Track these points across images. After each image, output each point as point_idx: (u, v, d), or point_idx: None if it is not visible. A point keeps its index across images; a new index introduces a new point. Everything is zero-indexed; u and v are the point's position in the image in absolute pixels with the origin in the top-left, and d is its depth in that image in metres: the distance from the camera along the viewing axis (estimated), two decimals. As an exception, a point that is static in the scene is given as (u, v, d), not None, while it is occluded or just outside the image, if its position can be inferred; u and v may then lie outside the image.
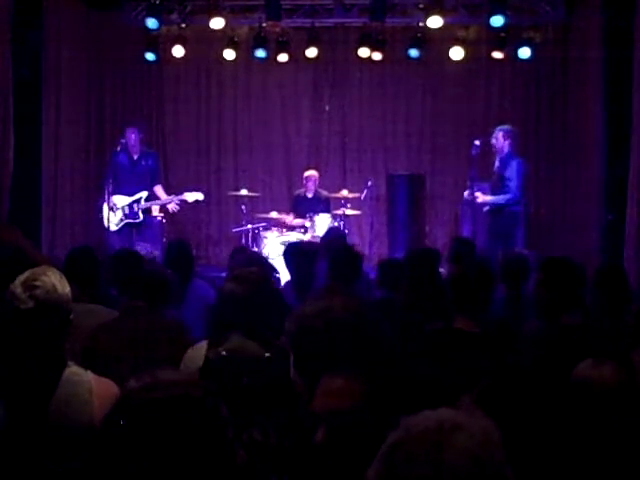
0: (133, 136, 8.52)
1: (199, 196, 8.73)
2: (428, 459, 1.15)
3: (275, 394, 2.79)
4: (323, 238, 7.65)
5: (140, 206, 8.49)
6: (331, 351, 2.19)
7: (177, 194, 8.76)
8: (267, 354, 3.03)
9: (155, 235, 8.99)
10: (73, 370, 2.30)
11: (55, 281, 2.27)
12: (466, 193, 8.07)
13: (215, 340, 3.12)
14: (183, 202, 8.73)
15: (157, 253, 6.01)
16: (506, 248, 6.87)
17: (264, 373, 2.94)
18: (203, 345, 3.14)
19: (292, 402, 2.58)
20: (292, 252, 5.36)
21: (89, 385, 2.27)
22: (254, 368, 2.96)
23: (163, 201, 8.65)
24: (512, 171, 7.66)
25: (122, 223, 8.48)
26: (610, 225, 8.39)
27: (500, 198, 7.72)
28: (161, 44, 10.01)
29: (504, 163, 7.76)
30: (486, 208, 7.82)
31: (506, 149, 7.80)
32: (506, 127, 8.01)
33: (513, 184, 7.62)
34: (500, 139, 7.83)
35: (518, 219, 7.86)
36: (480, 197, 7.83)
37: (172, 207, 8.63)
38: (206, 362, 3.03)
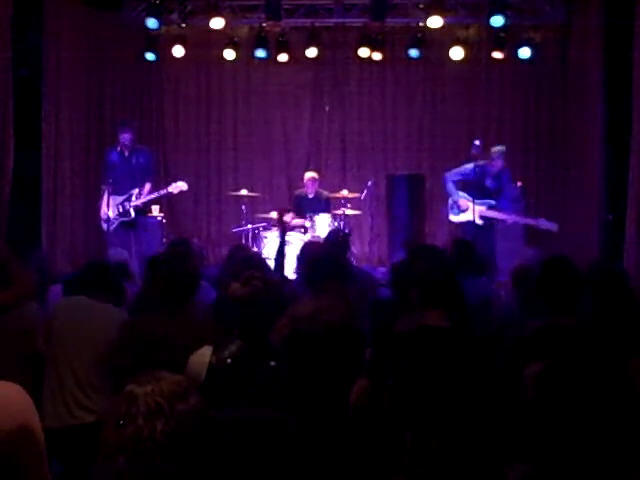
0: (127, 136, 8.50)
1: (183, 186, 8.62)
2: None
3: (281, 404, 2.74)
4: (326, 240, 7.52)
5: (131, 203, 8.47)
6: (323, 350, 2.18)
7: (161, 188, 8.71)
8: (273, 363, 2.96)
9: (155, 235, 8.99)
10: None
11: None
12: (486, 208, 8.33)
13: (220, 346, 3.05)
14: (170, 194, 8.70)
15: (126, 255, 5.87)
16: None
17: (270, 382, 2.87)
18: (206, 351, 3.05)
19: (299, 410, 2.53)
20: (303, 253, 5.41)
21: None
22: (260, 377, 2.90)
23: (150, 197, 8.59)
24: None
25: (116, 222, 8.46)
26: (610, 225, 8.39)
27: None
28: (161, 44, 10.03)
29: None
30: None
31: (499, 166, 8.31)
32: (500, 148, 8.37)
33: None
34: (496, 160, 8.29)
35: None
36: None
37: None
38: (210, 370, 2.96)
